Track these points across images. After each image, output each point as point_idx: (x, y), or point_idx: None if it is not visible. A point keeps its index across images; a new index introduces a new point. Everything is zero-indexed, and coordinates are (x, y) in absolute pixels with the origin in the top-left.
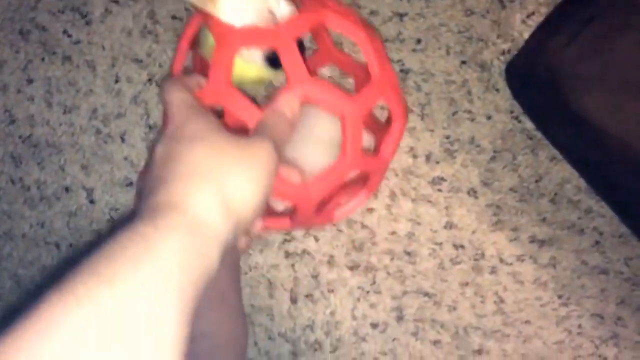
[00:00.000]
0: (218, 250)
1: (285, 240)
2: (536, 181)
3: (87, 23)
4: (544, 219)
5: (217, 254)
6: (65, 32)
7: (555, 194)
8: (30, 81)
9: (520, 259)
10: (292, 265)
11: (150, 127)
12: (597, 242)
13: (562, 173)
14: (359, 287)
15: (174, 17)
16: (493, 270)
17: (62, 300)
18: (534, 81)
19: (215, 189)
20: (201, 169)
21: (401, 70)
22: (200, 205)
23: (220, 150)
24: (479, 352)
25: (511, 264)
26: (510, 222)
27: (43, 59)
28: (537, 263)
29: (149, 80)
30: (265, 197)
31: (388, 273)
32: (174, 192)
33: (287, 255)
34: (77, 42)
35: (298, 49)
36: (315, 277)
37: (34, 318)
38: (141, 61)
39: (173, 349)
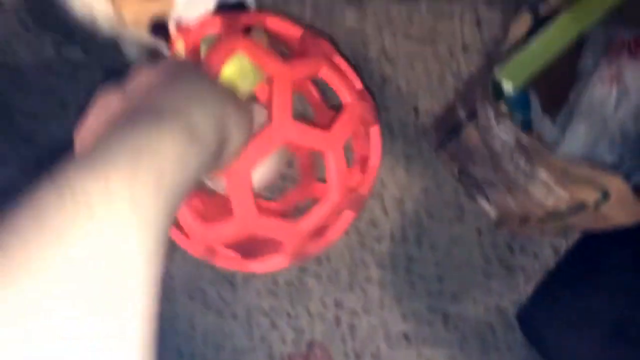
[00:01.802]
0: (208, 160)
1: None
2: None
3: (233, 286)
4: None
5: (207, 163)
6: (218, 293)
7: None
8: (193, 328)
9: None
10: None
11: None
12: None
13: None
14: None
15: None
16: None
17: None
18: None
19: (214, 109)
20: (200, 92)
21: None
22: (199, 116)
23: (218, 87)
24: None
25: None
26: None
27: (203, 313)
28: None
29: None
30: (241, 145)
31: None
32: (175, 103)
33: None
34: (225, 300)
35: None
36: None
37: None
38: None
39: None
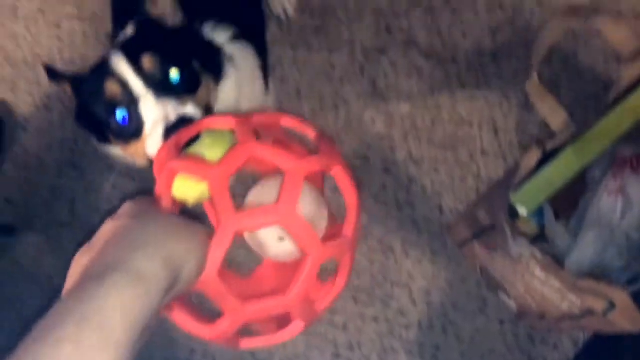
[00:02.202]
0: (159, 295)
1: None
2: None
3: None
4: None
5: (158, 297)
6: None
7: None
8: None
9: None
10: None
11: None
12: None
13: None
14: None
15: None
16: None
17: None
18: None
19: (157, 249)
20: (145, 236)
21: None
22: (142, 260)
23: (164, 222)
24: None
25: None
26: None
27: None
28: None
29: None
30: (201, 264)
31: None
32: (120, 255)
33: None
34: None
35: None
36: None
37: None
38: None
39: None
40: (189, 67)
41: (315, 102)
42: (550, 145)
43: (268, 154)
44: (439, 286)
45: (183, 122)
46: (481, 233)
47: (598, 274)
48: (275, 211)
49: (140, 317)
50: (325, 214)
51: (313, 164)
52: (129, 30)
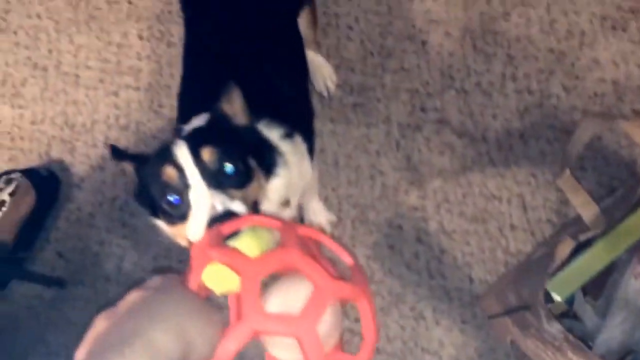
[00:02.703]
0: None
1: None
2: None
3: None
4: None
5: None
6: None
7: None
8: None
9: None
10: None
11: None
12: None
13: None
14: None
15: None
16: None
17: None
18: None
19: (173, 323)
20: (165, 310)
21: None
22: (158, 332)
23: (186, 300)
24: None
25: None
26: None
27: None
28: None
29: None
30: (212, 347)
31: None
32: (140, 324)
33: None
34: None
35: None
36: None
37: None
38: None
39: None
40: (244, 164)
41: (351, 173)
42: (583, 237)
43: (307, 266)
44: (468, 355)
45: (228, 215)
46: (513, 311)
47: (624, 353)
48: (297, 325)
49: None
50: (338, 332)
51: (344, 290)
52: (197, 121)
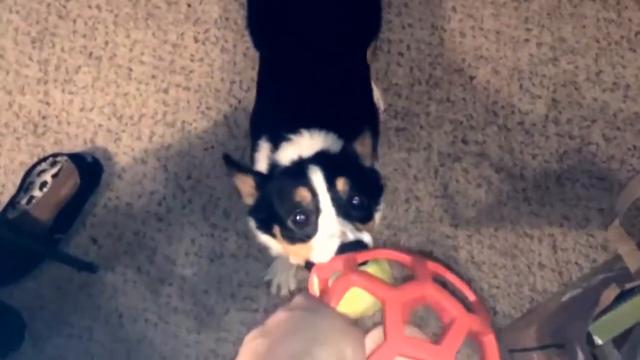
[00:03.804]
0: None
1: None
2: None
3: None
4: None
5: None
6: None
7: None
8: None
9: None
10: None
11: None
12: None
13: None
14: None
15: None
16: None
17: None
18: None
19: (333, 346)
20: (322, 333)
21: None
22: (322, 356)
23: (336, 321)
24: None
25: None
26: None
27: None
28: None
29: None
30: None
31: None
32: (303, 347)
33: None
34: None
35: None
36: None
37: None
38: None
39: None
40: (367, 200)
41: (388, 195)
42: (628, 286)
43: (445, 299)
44: None
45: (357, 244)
46: (545, 347)
47: None
48: (438, 353)
49: None
50: None
51: (475, 323)
52: (306, 145)
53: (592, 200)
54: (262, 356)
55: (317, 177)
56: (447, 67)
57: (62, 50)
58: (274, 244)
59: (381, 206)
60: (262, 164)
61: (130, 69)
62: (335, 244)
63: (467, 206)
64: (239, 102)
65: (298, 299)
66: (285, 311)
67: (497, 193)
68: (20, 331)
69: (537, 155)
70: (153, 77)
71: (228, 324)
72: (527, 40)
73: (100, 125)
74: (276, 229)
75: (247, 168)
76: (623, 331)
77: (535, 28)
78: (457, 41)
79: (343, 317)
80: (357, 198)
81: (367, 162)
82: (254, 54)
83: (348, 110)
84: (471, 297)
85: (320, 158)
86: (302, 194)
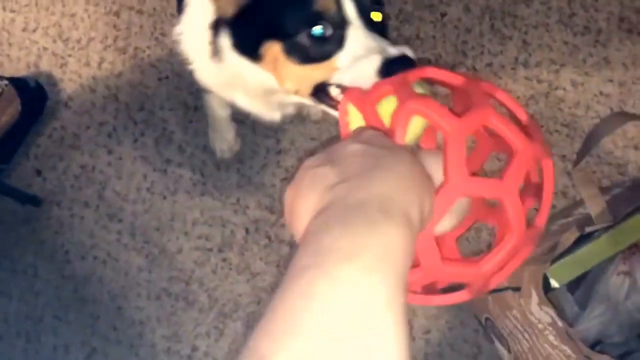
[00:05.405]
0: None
1: None
2: None
3: None
4: None
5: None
6: None
7: None
8: None
9: None
10: None
11: None
12: None
13: None
14: None
15: None
16: None
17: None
18: None
19: (417, 197)
20: (406, 180)
21: None
22: (411, 207)
23: (413, 166)
24: None
25: None
26: None
27: None
28: None
29: None
30: (431, 214)
31: None
32: (396, 199)
33: None
34: None
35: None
36: None
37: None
38: None
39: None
40: (385, 17)
41: None
42: (588, 229)
43: (504, 127)
44: (438, 326)
45: (404, 61)
46: (500, 290)
47: (595, 342)
48: (501, 187)
49: (409, 264)
50: None
51: (537, 151)
52: None
53: (555, 147)
54: (333, 189)
55: None
56: (418, 2)
57: None
58: (248, 71)
59: None
60: None
61: None
62: (376, 62)
63: None
64: None
65: (368, 133)
66: (357, 143)
67: None
68: None
69: None
70: None
71: (181, 262)
72: None
73: (44, 48)
74: (271, 47)
75: None
76: (577, 276)
77: None
78: None
79: (415, 158)
80: (379, 14)
81: None
82: None
83: None
84: (523, 116)
85: None
86: (326, 2)
